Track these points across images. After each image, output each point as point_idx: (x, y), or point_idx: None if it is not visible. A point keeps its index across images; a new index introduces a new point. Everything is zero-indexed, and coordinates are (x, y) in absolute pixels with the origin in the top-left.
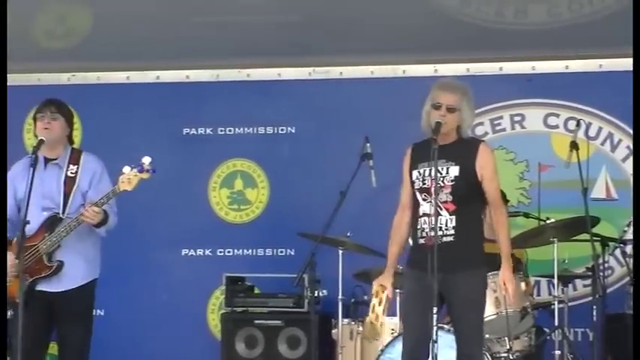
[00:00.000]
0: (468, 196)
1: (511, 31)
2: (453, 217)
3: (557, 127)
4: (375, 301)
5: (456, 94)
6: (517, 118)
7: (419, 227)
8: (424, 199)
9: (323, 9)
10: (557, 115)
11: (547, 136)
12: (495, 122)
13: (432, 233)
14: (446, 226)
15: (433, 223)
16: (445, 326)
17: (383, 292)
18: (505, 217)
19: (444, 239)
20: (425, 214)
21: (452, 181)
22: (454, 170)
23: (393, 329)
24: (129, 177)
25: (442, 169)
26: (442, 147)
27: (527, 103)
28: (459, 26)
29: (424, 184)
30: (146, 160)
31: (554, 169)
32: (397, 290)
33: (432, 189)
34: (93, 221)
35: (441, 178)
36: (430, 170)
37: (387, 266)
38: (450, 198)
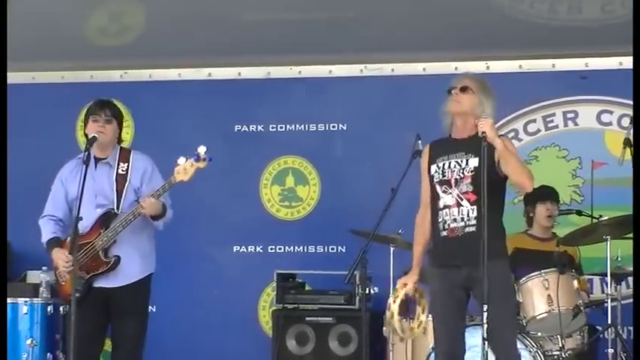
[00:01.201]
0: (488, 186)
1: (564, 28)
2: (474, 207)
3: (610, 124)
4: (390, 299)
5: (469, 79)
6: (570, 115)
7: (440, 220)
8: (444, 192)
9: (374, 6)
10: (611, 112)
11: (600, 133)
12: (548, 119)
13: (455, 224)
14: (468, 216)
15: (455, 214)
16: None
17: (402, 289)
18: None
19: (467, 230)
20: (446, 206)
21: (472, 171)
22: (474, 161)
23: None
24: (185, 167)
25: (461, 161)
26: (461, 141)
27: (580, 100)
28: (511, 23)
29: (444, 176)
30: (201, 150)
31: (608, 167)
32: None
33: (452, 180)
34: (150, 212)
35: (461, 170)
36: (449, 163)
37: (412, 265)
38: (470, 188)
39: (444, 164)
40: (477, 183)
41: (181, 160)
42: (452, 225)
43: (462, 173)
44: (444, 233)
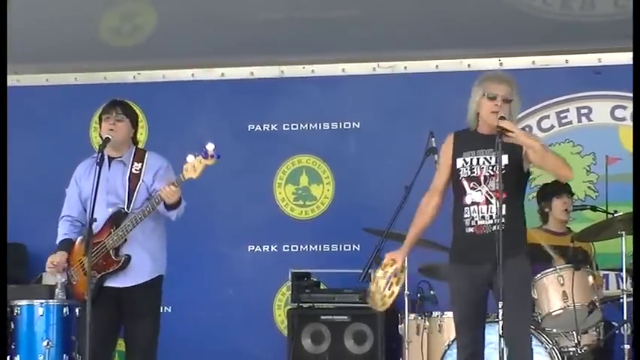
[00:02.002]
0: (516, 185)
1: (577, 23)
2: (504, 205)
3: (624, 119)
4: (380, 273)
5: (510, 85)
6: (584, 111)
7: (467, 216)
8: (472, 188)
9: (386, 4)
10: (625, 108)
11: (614, 129)
12: (562, 115)
13: (483, 222)
14: (497, 214)
15: (484, 211)
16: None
17: (391, 266)
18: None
19: (495, 228)
20: (474, 203)
21: (502, 169)
22: (503, 159)
23: None
24: (193, 164)
25: (491, 158)
26: (489, 137)
27: (594, 96)
28: (524, 19)
29: (472, 172)
30: (210, 147)
31: (622, 162)
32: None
33: (481, 176)
34: (171, 200)
35: (491, 167)
36: (478, 159)
37: (404, 244)
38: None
39: (471, 159)
40: (507, 181)
41: (190, 158)
42: (480, 222)
43: (492, 170)
44: (470, 230)
